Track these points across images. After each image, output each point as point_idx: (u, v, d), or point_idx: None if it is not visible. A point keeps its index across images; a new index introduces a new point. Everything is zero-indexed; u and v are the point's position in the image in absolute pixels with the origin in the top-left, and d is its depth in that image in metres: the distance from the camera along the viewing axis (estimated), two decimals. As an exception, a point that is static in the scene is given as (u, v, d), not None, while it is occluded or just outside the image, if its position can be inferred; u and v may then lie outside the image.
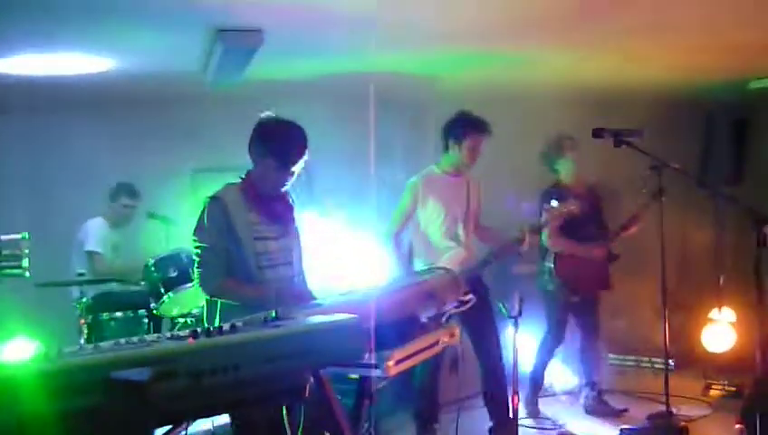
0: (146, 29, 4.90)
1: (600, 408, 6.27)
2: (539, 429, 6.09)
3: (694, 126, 8.12)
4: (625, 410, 6.25)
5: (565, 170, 6.12)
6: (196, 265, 3.74)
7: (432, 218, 5.21)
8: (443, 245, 5.18)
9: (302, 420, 2.79)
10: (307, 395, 2.63)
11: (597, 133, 4.44)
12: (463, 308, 4.83)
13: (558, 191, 5.88)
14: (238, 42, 5.00)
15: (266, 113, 3.83)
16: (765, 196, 6.91)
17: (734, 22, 5.27)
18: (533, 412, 6.28)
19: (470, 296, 4.82)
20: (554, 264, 6.04)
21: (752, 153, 8.06)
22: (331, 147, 6.95)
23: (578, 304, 6.16)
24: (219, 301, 3.70)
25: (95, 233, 6.41)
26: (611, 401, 6.41)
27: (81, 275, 5.83)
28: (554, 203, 5.44)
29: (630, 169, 5.72)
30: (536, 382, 6.34)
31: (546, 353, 6.29)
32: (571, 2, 4.66)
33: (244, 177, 3.85)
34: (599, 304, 6.36)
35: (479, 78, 6.74)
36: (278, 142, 3.74)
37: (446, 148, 5.27)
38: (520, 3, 4.64)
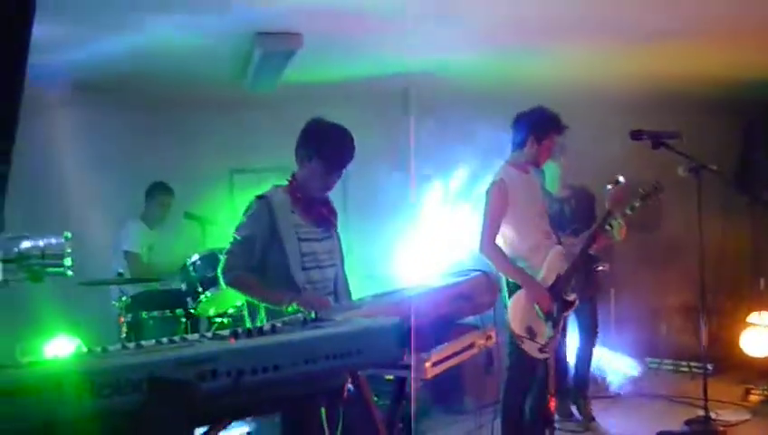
0: (187, 32, 4.95)
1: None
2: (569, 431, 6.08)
3: (733, 131, 8.04)
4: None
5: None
6: (224, 251, 3.79)
7: (527, 218, 4.84)
8: (543, 243, 4.86)
9: (340, 420, 2.81)
10: (345, 396, 2.65)
11: (635, 135, 4.40)
12: (571, 309, 4.85)
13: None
14: (277, 45, 5.03)
15: (315, 117, 3.84)
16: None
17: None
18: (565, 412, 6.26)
19: (574, 296, 4.83)
20: None
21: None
22: (367, 149, 7.01)
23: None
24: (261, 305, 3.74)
25: (132, 233, 6.48)
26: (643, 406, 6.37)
27: (120, 274, 5.90)
28: (621, 178, 5.20)
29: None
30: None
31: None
32: (603, 3, 4.63)
33: (290, 179, 3.88)
34: (595, 306, 6.31)
35: (516, 77, 6.73)
36: (327, 146, 3.75)
37: (522, 143, 4.89)
38: (555, 2, 4.62)
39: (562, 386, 6.17)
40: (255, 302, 3.76)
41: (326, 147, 3.74)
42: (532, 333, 4.63)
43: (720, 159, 5.58)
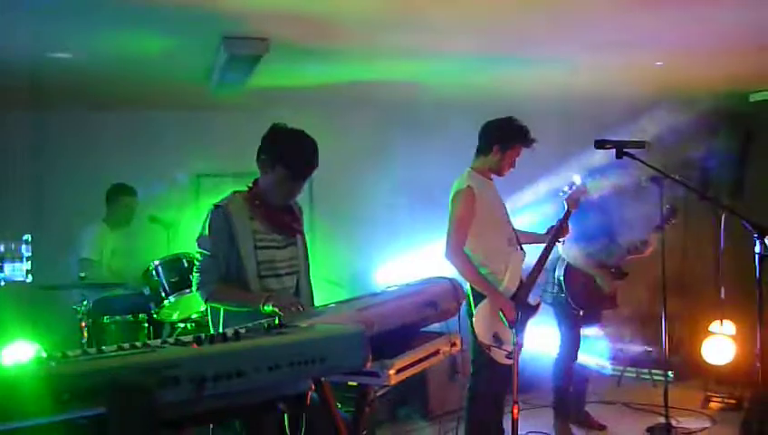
0: (152, 34, 4.92)
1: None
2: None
3: (696, 138, 8.13)
4: None
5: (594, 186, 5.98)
6: (195, 270, 3.76)
7: (492, 224, 4.85)
8: (506, 250, 4.86)
9: (303, 427, 2.79)
10: (308, 403, 2.63)
11: (599, 145, 4.42)
12: (535, 314, 4.85)
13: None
14: (243, 49, 5.01)
15: (277, 122, 3.81)
16: (767, 208, 6.92)
17: (733, 38, 5.31)
18: None
19: (537, 301, 4.85)
20: (564, 275, 5.94)
21: (753, 165, 8.09)
22: (331, 155, 7.01)
23: (582, 320, 6.04)
24: (222, 307, 3.71)
25: (91, 239, 6.38)
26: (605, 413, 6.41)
27: (82, 278, 5.82)
28: (576, 180, 5.29)
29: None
30: (563, 409, 6.09)
31: (563, 376, 6.08)
32: (569, 11, 4.67)
33: (251, 185, 3.84)
34: (600, 321, 6.35)
35: (479, 85, 6.76)
36: (290, 153, 3.70)
37: (487, 150, 4.92)
38: (522, 9, 4.66)
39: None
40: (233, 309, 3.68)
41: (289, 154, 3.70)
42: (498, 341, 4.65)
43: (683, 168, 5.66)
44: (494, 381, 4.81)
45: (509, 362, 4.67)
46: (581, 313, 5.94)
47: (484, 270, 4.77)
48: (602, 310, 6.24)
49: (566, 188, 5.23)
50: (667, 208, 5.84)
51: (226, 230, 3.67)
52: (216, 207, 3.73)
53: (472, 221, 4.76)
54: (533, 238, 5.15)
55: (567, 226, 5.12)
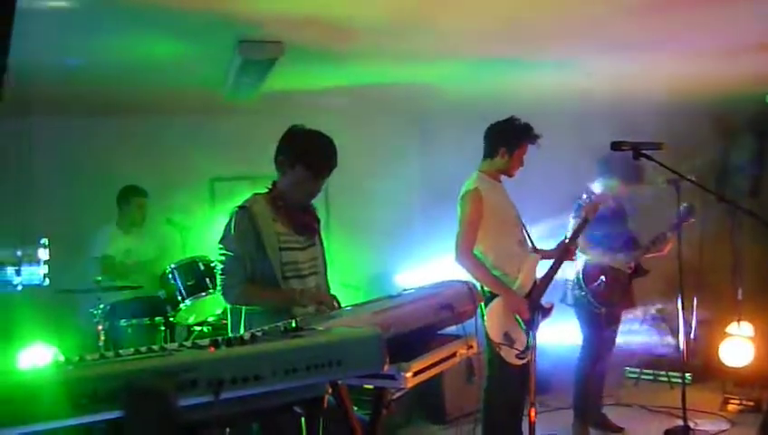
0: (167, 40, 4.93)
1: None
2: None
3: (714, 139, 8.10)
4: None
5: (608, 187, 5.96)
6: (219, 272, 3.76)
7: (501, 226, 4.85)
8: (518, 252, 4.87)
9: (320, 430, 2.79)
10: (325, 406, 2.63)
11: (616, 146, 4.40)
12: (549, 316, 4.84)
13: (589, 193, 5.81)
14: (258, 53, 5.01)
15: (295, 124, 3.83)
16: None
17: (751, 39, 5.28)
18: None
19: (551, 304, 4.85)
20: (583, 274, 5.92)
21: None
22: (346, 159, 7.01)
23: (605, 319, 5.97)
24: (243, 309, 3.72)
25: (106, 238, 6.41)
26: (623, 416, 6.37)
27: (98, 282, 5.84)
28: (594, 189, 5.29)
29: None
30: (583, 410, 6.09)
31: (585, 376, 6.06)
32: (585, 13, 4.66)
33: (270, 187, 3.86)
34: (620, 321, 6.27)
35: (493, 88, 6.75)
36: (309, 152, 3.74)
37: (493, 153, 4.94)
38: (535, 12, 4.64)
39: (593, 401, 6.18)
40: (259, 309, 3.70)
41: (309, 153, 3.74)
42: (509, 340, 4.66)
43: (700, 169, 5.63)
44: (507, 382, 4.80)
45: (519, 362, 4.69)
46: (603, 310, 5.90)
47: (497, 272, 4.78)
48: (622, 310, 6.18)
49: (584, 197, 5.23)
50: (684, 207, 5.81)
51: (252, 231, 3.68)
52: (241, 208, 3.74)
53: (480, 223, 4.77)
54: (545, 253, 5.13)
55: (574, 246, 5.12)
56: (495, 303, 4.70)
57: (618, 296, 5.96)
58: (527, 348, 4.68)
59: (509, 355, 4.67)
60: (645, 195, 6.13)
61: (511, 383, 4.82)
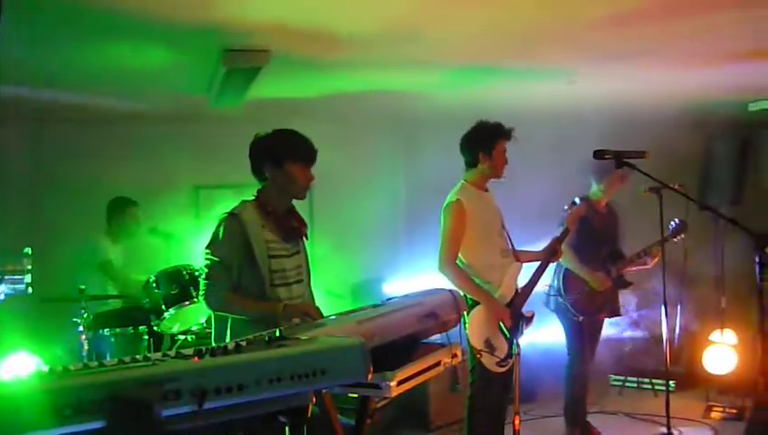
0: (151, 47, 4.92)
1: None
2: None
3: (694, 147, 8.15)
4: None
5: (601, 192, 6.05)
6: (203, 277, 3.74)
7: (484, 236, 4.86)
8: (500, 262, 4.87)
9: (304, 440, 2.79)
10: (309, 415, 2.63)
11: (598, 155, 4.43)
12: (530, 325, 4.85)
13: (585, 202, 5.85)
14: (243, 61, 5.01)
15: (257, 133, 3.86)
16: (767, 216, 6.93)
17: (733, 46, 5.33)
18: None
19: (532, 312, 4.86)
20: (563, 282, 5.94)
21: (753, 174, 8.10)
22: (331, 166, 7.02)
23: (586, 327, 6.00)
24: (229, 317, 3.71)
25: (100, 245, 6.39)
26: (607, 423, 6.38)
27: (81, 290, 5.81)
28: (577, 200, 5.32)
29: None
30: (573, 416, 6.13)
31: (573, 382, 6.08)
32: (569, 22, 4.69)
33: (256, 195, 3.86)
34: (601, 330, 6.27)
35: (477, 96, 6.77)
36: (293, 146, 3.78)
37: (474, 162, 4.94)
38: (521, 21, 4.67)
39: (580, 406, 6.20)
40: (242, 317, 3.69)
41: (293, 147, 3.78)
42: (490, 347, 4.67)
43: (683, 176, 5.65)
44: (489, 390, 4.82)
45: (500, 369, 4.71)
46: (581, 319, 5.91)
47: (479, 281, 4.79)
48: (603, 317, 6.18)
49: (566, 207, 5.26)
50: (676, 223, 5.84)
51: (241, 238, 3.68)
52: (231, 214, 3.74)
53: (463, 233, 4.79)
54: (530, 256, 5.15)
55: (560, 249, 5.13)
56: (477, 310, 4.71)
57: (598, 305, 5.98)
58: (508, 356, 4.70)
59: (490, 363, 4.69)
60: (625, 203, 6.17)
61: (492, 391, 4.83)
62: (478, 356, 4.69)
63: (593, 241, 5.89)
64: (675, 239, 5.94)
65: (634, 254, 6.01)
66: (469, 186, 4.93)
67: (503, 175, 4.98)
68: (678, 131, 7.60)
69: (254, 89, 5.79)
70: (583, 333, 5.99)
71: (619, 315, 6.29)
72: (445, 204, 4.88)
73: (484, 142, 4.90)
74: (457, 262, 4.79)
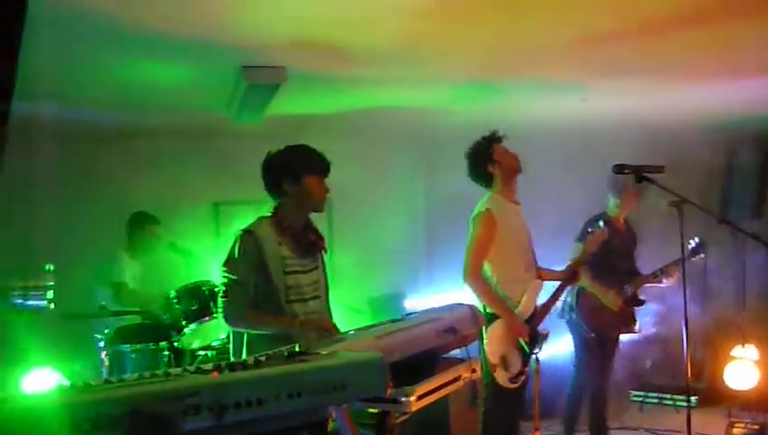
0: (172, 65, 4.96)
1: None
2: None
3: (716, 161, 8.10)
4: None
5: (617, 208, 6.01)
6: (221, 295, 3.76)
7: (511, 249, 4.81)
8: (523, 277, 4.84)
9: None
10: (329, 430, 2.63)
11: (618, 170, 4.41)
12: (546, 342, 4.82)
13: (604, 219, 5.81)
14: (262, 77, 5.05)
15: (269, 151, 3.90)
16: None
17: (751, 60, 5.31)
18: None
19: (547, 331, 4.84)
20: (577, 297, 5.92)
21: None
22: (350, 182, 7.04)
23: (597, 344, 5.96)
24: (245, 333, 3.72)
25: (117, 265, 6.42)
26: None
27: (103, 307, 5.84)
28: (601, 223, 5.31)
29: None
30: (568, 418, 6.21)
31: (572, 389, 6.14)
32: (585, 37, 4.69)
33: (273, 211, 3.88)
34: (617, 347, 6.21)
35: (494, 111, 6.77)
36: (308, 160, 3.82)
37: (488, 177, 4.86)
38: (533, 37, 4.68)
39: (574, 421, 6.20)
40: (259, 333, 3.71)
41: (308, 161, 3.82)
42: (505, 363, 4.65)
43: (704, 190, 5.62)
44: (502, 405, 4.79)
45: (513, 386, 4.68)
46: (593, 335, 5.88)
47: (500, 294, 4.76)
48: (617, 333, 6.13)
49: (590, 230, 5.24)
50: (695, 243, 5.79)
51: (257, 255, 3.69)
52: (246, 231, 3.76)
53: (491, 244, 4.74)
54: (550, 276, 5.13)
55: (580, 272, 5.12)
56: (496, 325, 4.69)
57: (611, 322, 5.93)
58: (521, 373, 4.68)
59: (503, 379, 4.67)
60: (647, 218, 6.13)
61: (504, 406, 4.81)
62: (492, 371, 4.67)
63: (610, 259, 5.83)
64: (693, 259, 5.86)
65: (650, 273, 5.95)
66: (498, 196, 4.86)
67: (517, 169, 4.87)
68: (699, 146, 7.56)
69: (273, 105, 5.83)
70: (590, 350, 5.96)
71: (634, 332, 6.24)
72: (474, 213, 4.83)
73: (484, 155, 4.86)
74: (483, 272, 4.77)
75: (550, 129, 6.69)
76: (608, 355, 6.08)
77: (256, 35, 4.38)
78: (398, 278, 7.92)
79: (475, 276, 4.72)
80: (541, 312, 4.87)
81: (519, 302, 4.76)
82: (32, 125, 6.18)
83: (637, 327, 6.21)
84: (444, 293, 6.04)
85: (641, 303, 6.08)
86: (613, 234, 5.80)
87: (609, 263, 5.83)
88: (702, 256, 5.91)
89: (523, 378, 4.70)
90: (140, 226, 6.52)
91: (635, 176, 4.40)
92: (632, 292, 5.96)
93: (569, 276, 5.05)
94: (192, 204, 7.43)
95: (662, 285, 5.97)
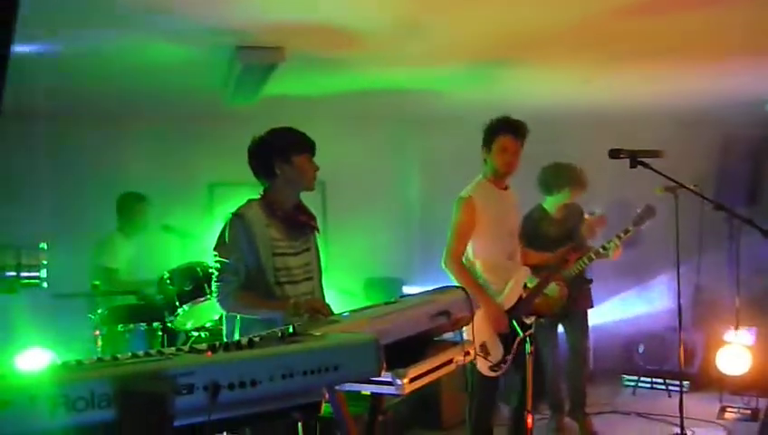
0: (167, 45, 4.94)
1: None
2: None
3: (711, 146, 8.11)
4: None
5: (557, 202, 5.97)
6: (214, 279, 3.78)
7: (493, 236, 4.79)
8: (505, 264, 4.83)
9: (317, 435, 2.80)
10: (321, 411, 2.63)
11: (613, 154, 4.40)
12: (530, 331, 4.82)
13: (542, 216, 5.91)
14: (258, 58, 5.03)
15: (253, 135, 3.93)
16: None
17: (747, 45, 5.30)
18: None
19: (532, 320, 4.83)
20: None
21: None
22: (346, 163, 7.02)
23: (563, 323, 6.03)
24: (238, 315, 3.74)
25: (109, 248, 6.41)
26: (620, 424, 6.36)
27: (96, 286, 5.83)
28: (596, 210, 5.28)
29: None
30: (551, 398, 6.30)
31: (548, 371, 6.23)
32: (583, 20, 4.68)
33: (262, 193, 3.88)
34: (584, 323, 6.24)
35: (492, 94, 6.76)
36: (295, 139, 3.85)
37: (484, 157, 4.84)
38: (533, 19, 4.66)
39: (556, 400, 6.27)
40: (252, 316, 3.73)
41: (295, 140, 3.84)
42: (484, 351, 4.65)
43: (699, 175, 5.61)
44: (480, 391, 4.83)
45: (492, 374, 4.70)
46: (541, 320, 5.44)
47: (481, 279, 4.76)
48: (578, 309, 6.10)
49: (586, 216, 5.21)
50: (642, 208, 5.53)
51: (246, 238, 3.71)
52: (235, 215, 3.77)
53: (470, 231, 4.75)
54: (538, 258, 5.13)
55: (571, 258, 5.11)
56: (476, 312, 4.68)
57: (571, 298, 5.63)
58: (502, 361, 4.69)
59: (483, 366, 4.67)
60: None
61: (483, 393, 4.84)
62: (473, 358, 4.67)
63: (548, 250, 5.67)
64: (642, 227, 5.51)
65: (593, 250, 5.59)
66: (486, 182, 4.85)
67: (504, 171, 4.80)
68: (694, 131, 7.57)
69: (269, 87, 5.81)
70: (544, 333, 5.93)
71: (590, 306, 6.26)
72: (457, 199, 4.82)
73: (486, 137, 4.82)
74: (464, 258, 4.77)
75: (548, 112, 6.68)
76: (580, 333, 6.19)
77: (252, 15, 4.35)
78: (393, 261, 7.92)
79: (454, 262, 4.73)
80: (525, 301, 4.85)
81: (502, 291, 4.76)
82: (25, 105, 6.18)
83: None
84: (439, 276, 6.04)
85: (589, 281, 6.12)
86: (548, 224, 5.81)
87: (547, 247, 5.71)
88: (648, 222, 5.50)
89: (505, 367, 4.71)
90: (129, 206, 6.52)
91: (630, 161, 4.38)
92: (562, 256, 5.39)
93: (559, 260, 5.05)
94: (187, 185, 7.43)
95: (614, 259, 5.70)
